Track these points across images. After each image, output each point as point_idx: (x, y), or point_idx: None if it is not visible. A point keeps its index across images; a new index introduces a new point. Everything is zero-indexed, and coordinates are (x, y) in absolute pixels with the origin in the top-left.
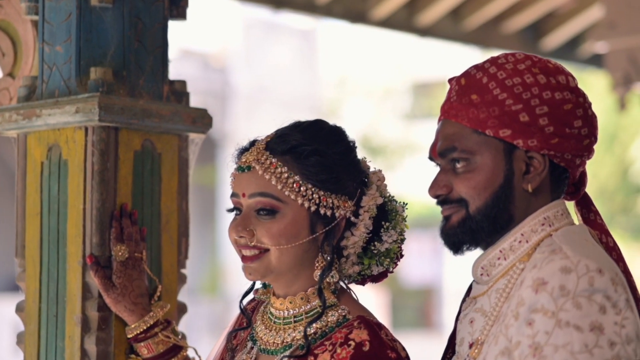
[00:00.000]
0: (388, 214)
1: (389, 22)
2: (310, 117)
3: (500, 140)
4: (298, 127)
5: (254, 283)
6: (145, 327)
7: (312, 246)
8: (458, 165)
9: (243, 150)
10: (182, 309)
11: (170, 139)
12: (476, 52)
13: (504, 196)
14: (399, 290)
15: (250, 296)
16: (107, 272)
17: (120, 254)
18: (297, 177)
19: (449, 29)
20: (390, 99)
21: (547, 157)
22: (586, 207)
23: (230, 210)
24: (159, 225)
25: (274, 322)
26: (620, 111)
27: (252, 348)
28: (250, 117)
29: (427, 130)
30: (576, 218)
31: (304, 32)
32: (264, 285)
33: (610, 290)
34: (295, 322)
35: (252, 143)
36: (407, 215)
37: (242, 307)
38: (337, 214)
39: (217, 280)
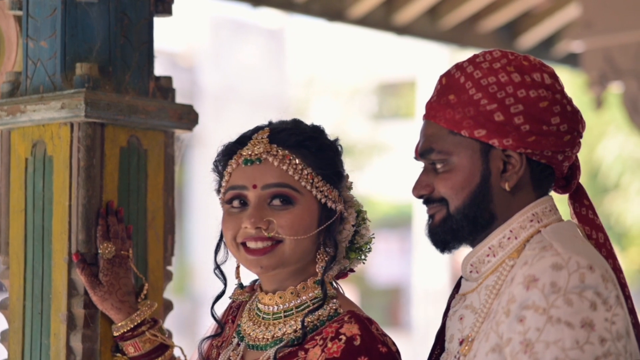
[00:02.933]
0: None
1: (367, 21)
2: (279, 116)
3: (476, 141)
4: (292, 123)
5: (225, 288)
6: (132, 326)
7: (316, 239)
8: (438, 166)
9: (237, 145)
10: (168, 306)
11: (156, 135)
12: (445, 52)
13: (481, 196)
14: (366, 290)
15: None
16: (93, 270)
17: (107, 251)
18: (309, 169)
19: (425, 27)
20: (357, 99)
21: (524, 156)
22: (579, 201)
23: (228, 202)
24: (145, 222)
25: (263, 318)
26: (597, 110)
27: (238, 345)
28: (218, 117)
29: (395, 131)
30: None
31: (271, 32)
32: (240, 286)
33: (600, 287)
34: (285, 316)
35: (246, 137)
36: (366, 211)
37: (213, 313)
38: (337, 208)
39: (185, 280)
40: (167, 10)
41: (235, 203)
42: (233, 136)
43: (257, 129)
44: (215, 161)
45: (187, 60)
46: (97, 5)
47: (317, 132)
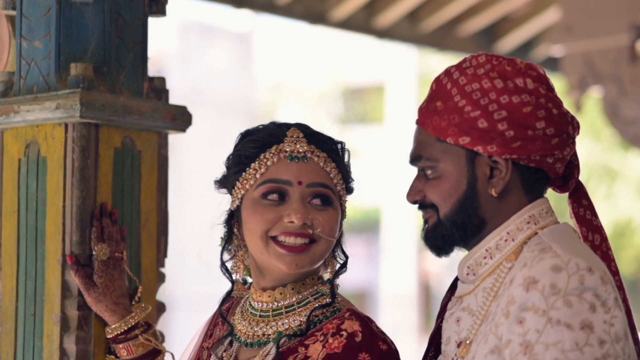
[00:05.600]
0: None
1: (348, 24)
2: (246, 120)
3: (462, 148)
4: (309, 127)
5: (232, 286)
6: (126, 328)
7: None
8: (428, 172)
9: (271, 138)
10: (160, 307)
11: (150, 137)
12: (414, 57)
13: (468, 202)
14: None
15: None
16: (87, 271)
17: (102, 253)
18: (340, 175)
19: (406, 31)
20: (324, 103)
21: (509, 161)
22: (577, 201)
23: (263, 195)
24: (139, 223)
25: (260, 316)
26: (576, 114)
27: (230, 344)
28: None
29: (362, 135)
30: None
31: (240, 36)
32: (244, 282)
33: (599, 289)
34: (287, 312)
35: (278, 133)
36: None
37: (222, 312)
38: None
39: None
40: (161, 11)
41: (273, 197)
42: (249, 128)
43: (283, 127)
44: (239, 152)
45: (155, 64)
46: (91, 5)
47: None
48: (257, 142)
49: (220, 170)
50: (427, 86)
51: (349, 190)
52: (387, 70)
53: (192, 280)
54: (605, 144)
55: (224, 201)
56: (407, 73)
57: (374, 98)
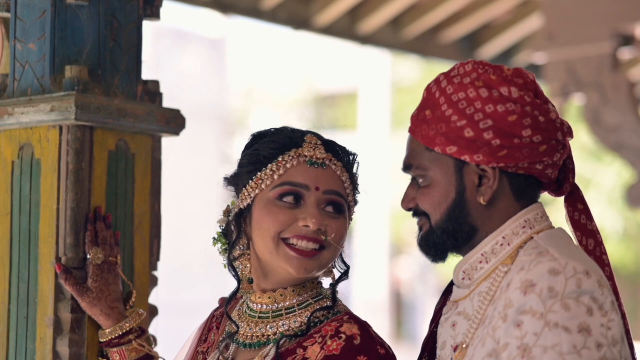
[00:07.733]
0: None
1: (331, 29)
2: (219, 126)
3: (450, 157)
4: (320, 134)
5: (238, 287)
6: (120, 333)
7: None
8: (419, 181)
9: (289, 141)
10: (153, 311)
11: (144, 139)
12: (387, 63)
13: (457, 210)
14: None
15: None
16: (79, 276)
17: (96, 257)
18: (352, 187)
19: (389, 37)
20: (296, 110)
21: (497, 169)
22: (573, 204)
23: (279, 196)
24: (132, 226)
25: (259, 317)
26: None
27: (226, 347)
28: None
29: None
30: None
31: (213, 42)
32: (250, 281)
33: (596, 292)
34: (287, 313)
35: (297, 137)
36: None
37: (227, 313)
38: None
39: None
40: (155, 14)
41: (289, 199)
42: (268, 127)
43: (298, 132)
44: (257, 151)
45: None
46: (87, 8)
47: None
48: (275, 143)
49: (192, 177)
50: (400, 93)
51: (355, 202)
52: (360, 77)
53: (169, 286)
54: (577, 152)
55: (200, 205)
56: (380, 80)
57: (346, 105)
